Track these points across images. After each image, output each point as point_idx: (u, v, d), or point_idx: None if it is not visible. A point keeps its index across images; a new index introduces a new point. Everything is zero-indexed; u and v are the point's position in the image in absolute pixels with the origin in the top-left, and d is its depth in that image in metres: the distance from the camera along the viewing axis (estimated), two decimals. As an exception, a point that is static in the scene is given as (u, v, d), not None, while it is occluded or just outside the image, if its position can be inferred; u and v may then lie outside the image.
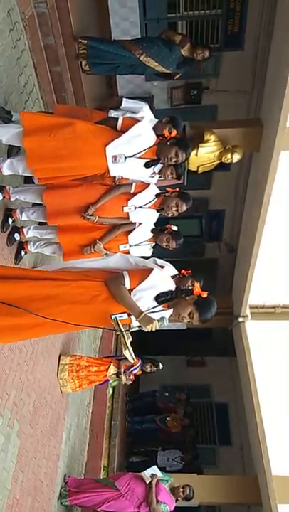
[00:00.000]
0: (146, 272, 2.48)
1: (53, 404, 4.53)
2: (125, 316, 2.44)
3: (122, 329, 2.38)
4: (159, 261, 3.50)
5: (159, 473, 4.37)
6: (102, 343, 7.58)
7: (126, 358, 5.15)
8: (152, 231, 3.67)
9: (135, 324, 2.48)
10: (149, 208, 3.51)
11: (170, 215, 3.58)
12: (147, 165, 3.25)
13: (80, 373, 4.85)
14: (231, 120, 6.70)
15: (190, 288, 3.40)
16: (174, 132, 3.29)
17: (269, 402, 6.97)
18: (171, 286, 2.59)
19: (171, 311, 2.52)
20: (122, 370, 5.09)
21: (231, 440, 10.00)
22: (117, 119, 3.17)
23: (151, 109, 3.53)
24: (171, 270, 3.43)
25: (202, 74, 6.82)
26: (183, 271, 3.57)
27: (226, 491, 6.83)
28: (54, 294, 2.37)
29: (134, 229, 3.55)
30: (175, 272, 3.51)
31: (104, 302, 2.42)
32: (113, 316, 2.41)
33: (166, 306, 2.53)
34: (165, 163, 3.28)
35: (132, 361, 2.55)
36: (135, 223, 3.51)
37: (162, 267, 2.99)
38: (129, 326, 2.51)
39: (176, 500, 4.52)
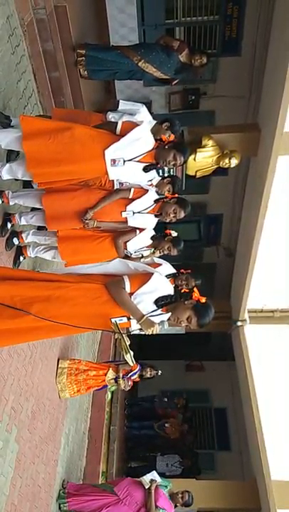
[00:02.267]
0: (147, 276, 2.50)
1: (52, 409, 4.51)
2: (125, 319, 2.45)
3: (122, 333, 2.39)
4: (156, 259, 3.52)
5: (158, 479, 4.35)
6: (101, 348, 7.56)
7: (125, 363, 5.19)
8: (152, 238, 3.68)
9: (135, 327, 2.49)
10: (147, 213, 3.52)
11: (168, 221, 3.59)
12: (146, 169, 3.27)
13: (79, 377, 4.84)
14: (229, 125, 6.73)
15: (184, 285, 3.43)
16: (172, 136, 3.31)
17: (268, 407, 6.95)
18: (170, 289, 2.60)
19: (170, 314, 2.53)
20: (121, 375, 5.08)
21: (230, 445, 9.97)
22: (116, 123, 3.19)
23: (149, 113, 3.55)
24: (168, 268, 3.45)
25: (200, 79, 6.87)
26: (182, 270, 3.58)
27: (225, 496, 6.81)
28: (55, 296, 2.38)
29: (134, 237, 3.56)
30: (173, 270, 3.53)
31: (104, 305, 2.43)
32: (113, 320, 2.41)
33: (164, 310, 2.54)
34: (163, 166, 3.30)
35: (131, 365, 2.56)
36: (136, 232, 3.52)
37: (160, 264, 2.99)
38: (128, 330, 2.51)
39: (175, 506, 4.50)
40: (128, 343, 2.46)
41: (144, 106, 3.40)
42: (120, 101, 3.41)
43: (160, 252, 3.63)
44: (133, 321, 2.47)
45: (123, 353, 2.52)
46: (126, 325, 2.49)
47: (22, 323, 2.31)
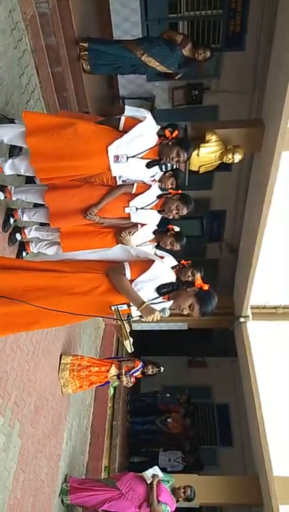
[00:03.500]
0: (148, 263, 2.47)
1: (54, 405, 4.53)
2: (125, 306, 2.43)
3: (123, 319, 2.38)
4: (159, 252, 3.50)
5: (160, 474, 4.37)
6: (103, 344, 7.59)
7: (127, 360, 5.20)
8: (154, 233, 3.67)
9: (136, 314, 2.47)
10: (150, 209, 3.51)
11: (171, 217, 3.58)
12: (149, 165, 3.25)
13: (81, 373, 4.86)
14: (232, 120, 6.70)
15: (191, 279, 3.42)
16: (176, 132, 3.29)
17: (270, 403, 6.96)
18: (172, 277, 2.58)
19: (171, 302, 2.51)
20: (124, 372, 5.09)
21: (232, 441, 10.00)
22: (119, 119, 3.17)
23: (152, 109, 3.53)
24: (171, 261, 3.43)
25: (203, 74, 6.83)
26: (183, 261, 3.57)
27: (227, 491, 6.82)
28: (54, 285, 2.36)
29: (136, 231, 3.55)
30: (175, 262, 3.52)
31: (104, 293, 2.40)
32: (113, 307, 2.39)
33: (166, 298, 2.52)
34: (167, 162, 3.29)
35: (129, 351, 2.54)
36: (138, 226, 3.51)
37: (162, 257, 2.95)
38: (128, 316, 2.49)
39: (177, 500, 4.52)
40: (128, 330, 2.44)
41: (149, 112, 3.38)
42: (126, 107, 3.39)
43: (163, 245, 3.61)
44: (133, 308, 2.45)
45: (122, 340, 2.51)
46: (126, 311, 2.46)
47: (19, 311, 2.30)
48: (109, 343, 7.75)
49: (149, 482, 4.28)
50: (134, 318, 2.50)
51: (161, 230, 3.71)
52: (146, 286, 2.45)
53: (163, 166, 3.51)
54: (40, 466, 3.96)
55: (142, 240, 3.62)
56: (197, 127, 6.20)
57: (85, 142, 3.05)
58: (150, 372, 5.46)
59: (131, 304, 2.44)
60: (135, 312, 2.46)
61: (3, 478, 3.23)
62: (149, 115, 3.30)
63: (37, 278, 2.37)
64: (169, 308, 2.50)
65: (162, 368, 5.56)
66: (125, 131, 3.13)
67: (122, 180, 3.44)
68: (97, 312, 2.50)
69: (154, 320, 2.41)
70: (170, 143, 3.23)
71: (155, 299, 2.48)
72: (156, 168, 3.42)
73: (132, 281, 2.42)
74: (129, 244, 3.41)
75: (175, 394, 9.21)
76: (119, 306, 2.41)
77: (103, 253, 2.66)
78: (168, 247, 3.61)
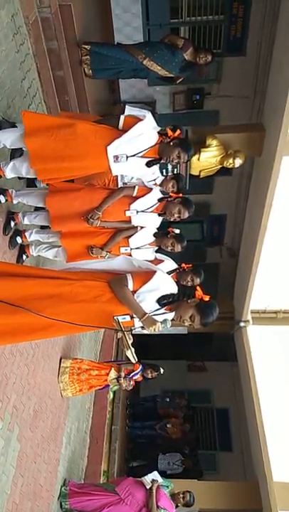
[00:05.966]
0: (150, 275, 2.48)
1: (54, 409, 4.51)
2: (128, 318, 2.44)
3: (124, 330, 2.38)
4: (159, 255, 3.49)
5: (159, 479, 4.35)
6: (103, 347, 7.57)
7: (127, 363, 5.19)
8: (155, 235, 3.67)
9: (138, 326, 2.48)
10: (151, 212, 3.51)
11: (172, 220, 3.58)
12: (149, 164, 3.25)
13: (81, 376, 4.84)
14: (233, 125, 6.72)
15: (190, 284, 3.42)
16: (178, 132, 3.28)
17: (270, 408, 6.94)
18: (174, 288, 2.59)
19: (173, 313, 2.52)
20: (123, 375, 5.07)
21: (232, 446, 9.96)
22: (118, 118, 3.17)
23: (153, 114, 3.54)
24: (171, 264, 3.42)
25: (204, 79, 6.85)
26: (183, 264, 3.56)
27: (227, 497, 6.79)
28: (57, 292, 2.36)
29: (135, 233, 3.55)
30: (175, 266, 3.50)
31: (107, 302, 2.41)
32: (115, 317, 2.40)
33: (168, 309, 2.53)
34: (167, 163, 3.28)
35: (133, 362, 2.55)
36: (137, 228, 3.51)
37: (162, 260, 2.93)
38: (131, 328, 2.50)
39: (177, 506, 4.50)
40: (130, 340, 2.45)
41: (149, 112, 3.39)
42: (127, 106, 3.40)
43: (164, 247, 3.60)
44: (136, 320, 2.46)
45: (125, 350, 2.51)
46: (129, 323, 2.47)
47: (22, 320, 2.29)
48: (108, 346, 7.74)
49: (148, 487, 4.26)
50: (136, 329, 2.50)
51: (162, 233, 3.71)
52: (148, 297, 2.46)
53: (164, 171, 3.51)
54: (38, 470, 3.94)
55: (141, 243, 3.62)
56: (198, 132, 6.23)
57: (84, 142, 3.03)
58: (150, 376, 5.44)
59: (134, 315, 2.44)
60: (137, 323, 2.47)
61: (2, 482, 3.21)
62: (149, 115, 3.31)
63: (42, 286, 2.36)
64: (171, 320, 2.51)
65: (162, 370, 5.54)
66: (125, 130, 3.10)
67: (123, 183, 3.44)
68: (101, 322, 2.49)
69: (156, 331, 2.42)
70: (171, 143, 3.21)
71: (157, 310, 2.49)
72: (157, 172, 3.42)
73: (134, 292, 2.44)
74: (102, 254, 3.41)
75: (174, 398, 9.18)
76: (122, 317, 2.42)
77: (106, 263, 2.68)
78: (169, 249, 3.60)
